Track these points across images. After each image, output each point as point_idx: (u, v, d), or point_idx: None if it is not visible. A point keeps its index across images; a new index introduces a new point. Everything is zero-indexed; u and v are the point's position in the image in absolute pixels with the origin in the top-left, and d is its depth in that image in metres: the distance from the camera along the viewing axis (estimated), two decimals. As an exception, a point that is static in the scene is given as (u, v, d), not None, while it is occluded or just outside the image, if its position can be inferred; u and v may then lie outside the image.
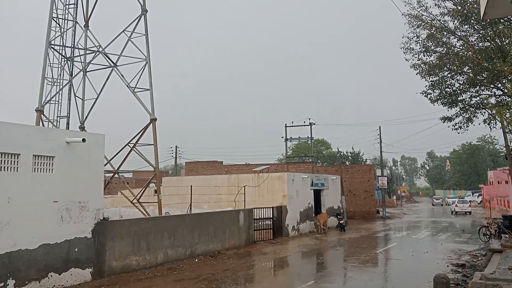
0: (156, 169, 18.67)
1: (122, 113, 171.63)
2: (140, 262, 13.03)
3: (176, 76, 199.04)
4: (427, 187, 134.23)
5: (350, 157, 67.64)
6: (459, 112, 20.72)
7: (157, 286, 11.29)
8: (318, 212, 26.21)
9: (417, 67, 20.40)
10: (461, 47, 19.66)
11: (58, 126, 18.47)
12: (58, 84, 18.77)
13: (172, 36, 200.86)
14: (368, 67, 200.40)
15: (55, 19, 18.34)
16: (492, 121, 20.63)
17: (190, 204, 20.54)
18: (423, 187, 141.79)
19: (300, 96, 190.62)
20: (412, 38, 20.12)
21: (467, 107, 20.53)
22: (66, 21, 19.07)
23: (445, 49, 19.89)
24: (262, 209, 20.68)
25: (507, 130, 25.28)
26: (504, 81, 18.95)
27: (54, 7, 18.11)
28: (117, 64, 18.57)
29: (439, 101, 20.81)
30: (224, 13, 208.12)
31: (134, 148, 18.59)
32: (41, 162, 10.58)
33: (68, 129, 18.52)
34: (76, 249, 11.15)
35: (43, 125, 16.97)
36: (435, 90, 20.76)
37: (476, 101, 20.58)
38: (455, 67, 19.47)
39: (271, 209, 21.39)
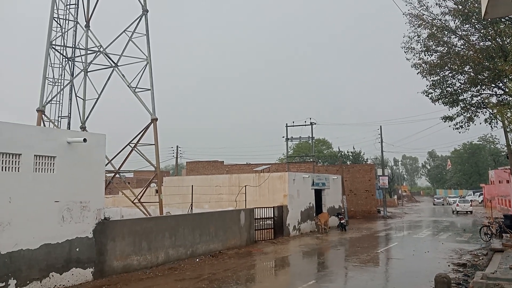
0: (157, 169, 18.68)
1: (123, 113, 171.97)
2: (141, 262, 13.04)
3: (177, 76, 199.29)
4: (428, 186, 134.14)
5: (351, 156, 67.62)
6: (460, 112, 20.68)
7: (158, 285, 11.30)
8: (319, 211, 26.20)
9: (418, 66, 20.37)
10: (462, 47, 19.63)
11: (59, 126, 18.49)
12: (59, 84, 18.80)
13: (173, 36, 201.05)
14: (368, 66, 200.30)
15: (56, 19, 18.35)
16: (493, 121, 20.60)
17: (191, 204, 20.55)
18: (424, 186, 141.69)
19: (301, 96, 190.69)
20: (413, 38, 20.10)
21: (468, 107, 20.49)
22: (67, 21, 19.09)
23: (446, 48, 19.85)
24: (263, 208, 20.68)
25: (508, 130, 25.25)
26: (505, 81, 18.92)
27: (55, 7, 18.12)
28: (118, 64, 18.58)
29: (440, 101, 20.77)
30: (224, 13, 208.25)
31: (135, 148, 18.60)
32: (42, 162, 10.60)
33: (69, 129, 18.54)
34: (77, 249, 11.16)
35: (44, 125, 16.99)
36: (436, 90, 20.72)
37: (477, 100, 20.54)
38: (456, 67, 19.44)
39: (272, 208, 21.39)
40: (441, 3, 19.00)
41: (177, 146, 52.99)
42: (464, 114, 20.67)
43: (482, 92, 20.35)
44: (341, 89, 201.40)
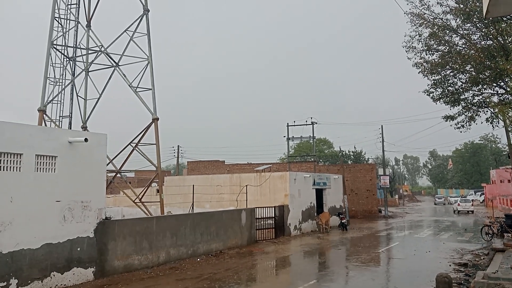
0: (158, 168, 18.68)
1: (124, 113, 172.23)
2: (142, 261, 13.05)
3: (177, 76, 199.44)
4: (429, 186, 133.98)
5: (352, 156, 67.57)
6: (461, 111, 20.65)
7: (159, 285, 11.31)
8: (320, 211, 26.19)
9: (419, 65, 20.35)
10: (463, 46, 19.59)
11: (60, 126, 18.51)
12: (60, 84, 18.82)
13: (173, 35, 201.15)
14: (369, 65, 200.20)
15: (57, 19, 18.36)
16: (494, 120, 20.57)
17: (192, 204, 20.57)
18: (425, 186, 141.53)
19: (302, 95, 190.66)
20: (414, 37, 20.08)
21: (469, 106, 20.46)
22: (68, 21, 19.10)
23: (448, 47, 19.82)
24: (264, 208, 20.68)
25: (509, 129, 25.20)
26: (506, 80, 18.87)
27: (56, 7, 18.14)
28: (119, 64, 18.60)
29: (441, 100, 20.75)
30: (225, 12, 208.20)
31: (136, 148, 18.61)
32: (43, 162, 10.61)
33: (70, 129, 18.56)
34: (78, 249, 11.17)
35: (45, 125, 17.01)
36: (437, 89, 20.70)
37: (478, 99, 20.51)
38: (457, 66, 19.40)
39: (273, 208, 21.39)
40: (442, 2, 18.98)
41: (178, 146, 53.03)
42: (465, 114, 20.65)
43: (484, 92, 20.32)
44: (342, 89, 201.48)
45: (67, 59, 19.41)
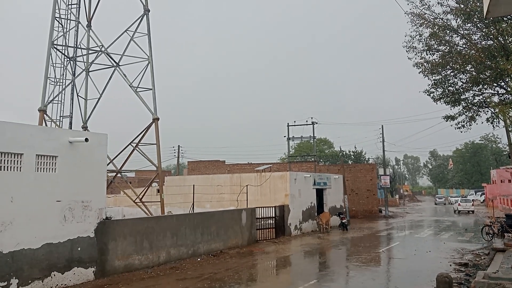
0: (158, 168, 18.69)
1: (124, 113, 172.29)
2: (142, 261, 13.06)
3: (178, 76, 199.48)
4: (430, 186, 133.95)
5: (352, 156, 67.55)
6: (462, 111, 20.63)
7: (160, 285, 11.31)
8: (320, 211, 26.19)
9: (420, 65, 20.34)
10: (464, 46, 19.58)
11: (61, 126, 18.53)
12: (61, 84, 18.84)
13: (173, 35, 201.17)
14: (369, 65, 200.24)
15: (57, 19, 18.38)
16: (495, 120, 20.55)
17: (193, 204, 20.58)
18: (426, 186, 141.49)
19: (302, 95, 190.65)
20: (415, 37, 20.07)
21: (470, 106, 20.45)
22: (68, 21, 19.12)
23: (448, 47, 19.81)
24: (265, 208, 20.68)
25: (510, 129, 25.20)
26: (507, 80, 18.86)
27: (56, 7, 18.15)
28: (120, 64, 18.61)
29: (442, 100, 20.73)
30: (225, 11, 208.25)
31: (136, 148, 18.62)
32: (44, 162, 10.61)
33: (71, 128, 18.57)
34: (79, 249, 11.18)
35: (46, 125, 17.02)
36: (438, 89, 20.68)
37: (479, 99, 20.49)
38: (458, 66, 19.39)
39: (273, 208, 21.39)
40: (443, 2, 18.97)
41: (179, 146, 53.02)
42: (466, 114, 20.63)
43: (484, 91, 20.30)
44: (342, 88, 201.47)
45: (68, 59, 19.43)
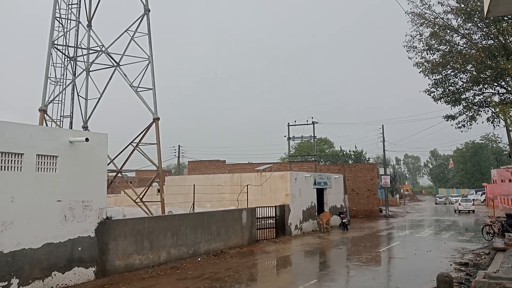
0: (159, 168, 18.70)
1: (124, 113, 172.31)
2: (143, 261, 13.06)
3: (178, 76, 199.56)
4: (430, 185, 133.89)
5: (353, 155, 67.53)
6: (462, 111, 20.61)
7: (160, 285, 11.32)
8: (321, 211, 26.19)
9: (420, 65, 20.33)
10: (464, 45, 19.56)
11: (61, 125, 18.54)
12: (61, 84, 18.84)
13: (173, 35, 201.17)
14: (369, 65, 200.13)
15: (58, 19, 18.38)
16: (495, 119, 20.53)
17: (193, 203, 20.57)
18: (426, 185, 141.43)
19: (302, 95, 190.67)
20: (415, 36, 20.04)
21: (470, 105, 20.42)
22: (69, 21, 19.12)
23: (448, 47, 19.80)
24: (265, 208, 20.68)
25: (510, 128, 25.18)
26: (507, 79, 18.85)
27: (57, 7, 18.16)
28: (120, 64, 18.61)
29: (442, 100, 20.71)
30: (225, 11, 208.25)
31: (137, 148, 18.63)
32: (44, 162, 10.62)
33: (71, 128, 18.58)
34: (79, 248, 11.19)
35: (46, 124, 17.03)
36: (438, 88, 20.66)
37: (479, 99, 20.47)
38: (458, 65, 19.37)
39: (273, 208, 21.39)
40: (443, 2, 18.94)
41: (179, 146, 53.04)
42: (466, 113, 20.60)
43: (485, 91, 20.28)
44: (343, 88, 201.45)
45: (68, 59, 19.43)
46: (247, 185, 23.06)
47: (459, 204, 42.61)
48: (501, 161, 73.44)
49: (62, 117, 18.94)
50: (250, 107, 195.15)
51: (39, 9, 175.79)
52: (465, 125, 20.67)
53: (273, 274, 13.87)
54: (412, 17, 19.83)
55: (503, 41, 17.69)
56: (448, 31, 19.48)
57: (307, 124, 34.88)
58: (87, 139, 11.23)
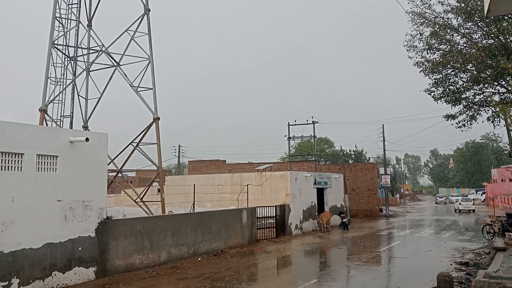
0: (159, 168, 18.70)
1: (125, 113, 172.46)
2: (143, 261, 13.07)
3: (178, 76, 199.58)
4: (431, 185, 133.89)
5: (353, 155, 67.52)
6: (462, 110, 20.61)
7: (161, 284, 11.32)
8: (321, 210, 26.19)
9: (421, 64, 20.32)
10: (464, 45, 19.56)
11: (61, 125, 18.54)
12: (62, 83, 18.85)
13: (173, 35, 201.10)
14: (370, 65, 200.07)
15: (58, 18, 18.38)
16: (496, 119, 20.53)
17: (193, 203, 20.57)
18: (427, 185, 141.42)
19: (302, 95, 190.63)
20: (415, 36, 20.05)
21: (470, 105, 20.42)
22: (69, 20, 19.13)
23: (449, 46, 19.80)
24: (265, 207, 20.68)
25: (511, 128, 25.17)
26: (508, 79, 18.84)
27: (57, 7, 18.16)
28: (120, 64, 18.61)
29: (442, 99, 20.70)
30: (225, 11, 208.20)
31: (137, 147, 18.63)
32: (44, 162, 10.62)
33: (71, 128, 18.58)
34: (79, 248, 11.19)
35: (46, 124, 17.03)
36: (438, 88, 20.66)
37: (480, 98, 20.47)
38: (458, 65, 19.36)
39: (274, 207, 21.38)
40: (444, 1, 18.94)
41: (179, 145, 53.05)
42: (466, 113, 20.60)
43: (485, 90, 20.28)
44: (343, 88, 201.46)
45: (68, 59, 19.43)
46: (247, 185, 23.06)
47: (460, 203, 42.59)
48: (501, 161, 73.44)
49: (62, 117, 18.95)
50: (250, 107, 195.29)
51: (39, 9, 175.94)
52: (466, 125, 20.67)
53: (274, 273, 13.87)
54: (412, 16, 19.84)
55: (503, 41, 17.68)
56: (449, 30, 19.47)
57: (307, 124, 34.90)
58: (87, 139, 11.23)
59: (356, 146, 71.78)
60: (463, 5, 18.21)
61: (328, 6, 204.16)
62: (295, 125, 35.36)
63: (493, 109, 20.11)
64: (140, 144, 18.64)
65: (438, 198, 68.10)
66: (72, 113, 19.50)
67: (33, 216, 10.19)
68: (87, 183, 11.57)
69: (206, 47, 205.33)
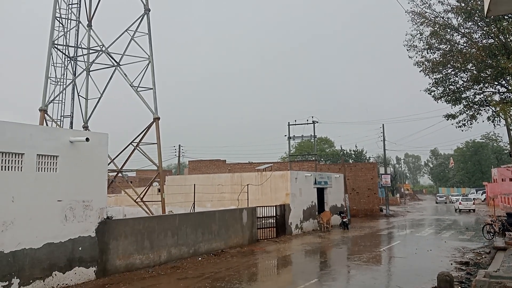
0: (159, 168, 18.71)
1: (125, 112, 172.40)
2: (143, 260, 13.07)
3: (178, 75, 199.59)
4: (431, 185, 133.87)
5: (353, 155, 67.52)
6: (463, 110, 20.59)
7: (161, 284, 11.32)
8: (321, 210, 26.19)
9: (421, 64, 20.31)
10: (464, 44, 19.55)
11: (61, 125, 18.54)
12: (62, 83, 18.85)
13: (173, 35, 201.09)
14: (370, 65, 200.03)
15: (58, 18, 18.39)
16: (496, 119, 20.51)
17: (194, 203, 20.58)
18: (427, 185, 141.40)
19: (302, 95, 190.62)
20: (415, 36, 20.03)
21: (471, 105, 20.40)
22: (69, 20, 19.13)
23: (449, 46, 19.78)
24: (265, 207, 20.68)
25: (511, 127, 25.17)
26: (508, 78, 18.83)
27: (57, 7, 18.16)
28: (120, 64, 18.61)
29: (442, 99, 20.69)
30: (225, 11, 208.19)
31: (137, 147, 18.63)
32: (45, 162, 10.62)
33: (71, 128, 18.58)
34: (80, 248, 11.19)
35: (47, 124, 17.04)
36: (438, 88, 20.64)
37: (480, 98, 20.45)
38: (458, 64, 19.35)
39: (274, 207, 21.38)
40: (444, 1, 18.92)
41: (179, 145, 53.08)
42: (466, 112, 20.59)
43: (485, 90, 20.27)
44: (343, 88, 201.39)
45: (68, 59, 19.44)
46: (247, 185, 23.06)
47: (460, 203, 42.59)
48: (501, 160, 73.42)
49: (62, 117, 18.96)
50: (250, 107, 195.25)
51: (39, 9, 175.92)
52: (466, 124, 20.65)
53: (274, 273, 13.87)
54: (413, 16, 19.83)
55: (503, 40, 17.67)
56: (449, 30, 19.46)
57: (307, 124, 34.87)
58: (87, 139, 11.23)
59: (356, 146, 71.70)
60: (463, 4, 18.20)
61: (328, 6, 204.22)
62: (295, 125, 35.36)
63: (493, 108, 20.09)
64: (140, 144, 18.65)
65: (438, 197, 68.08)
66: (72, 113, 19.51)
67: (33, 216, 10.19)
68: (87, 183, 11.57)
69: (206, 47, 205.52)
